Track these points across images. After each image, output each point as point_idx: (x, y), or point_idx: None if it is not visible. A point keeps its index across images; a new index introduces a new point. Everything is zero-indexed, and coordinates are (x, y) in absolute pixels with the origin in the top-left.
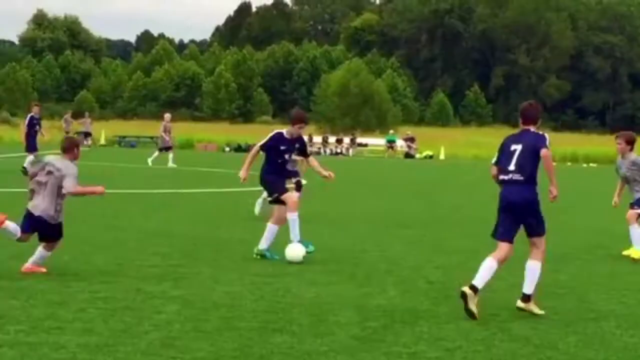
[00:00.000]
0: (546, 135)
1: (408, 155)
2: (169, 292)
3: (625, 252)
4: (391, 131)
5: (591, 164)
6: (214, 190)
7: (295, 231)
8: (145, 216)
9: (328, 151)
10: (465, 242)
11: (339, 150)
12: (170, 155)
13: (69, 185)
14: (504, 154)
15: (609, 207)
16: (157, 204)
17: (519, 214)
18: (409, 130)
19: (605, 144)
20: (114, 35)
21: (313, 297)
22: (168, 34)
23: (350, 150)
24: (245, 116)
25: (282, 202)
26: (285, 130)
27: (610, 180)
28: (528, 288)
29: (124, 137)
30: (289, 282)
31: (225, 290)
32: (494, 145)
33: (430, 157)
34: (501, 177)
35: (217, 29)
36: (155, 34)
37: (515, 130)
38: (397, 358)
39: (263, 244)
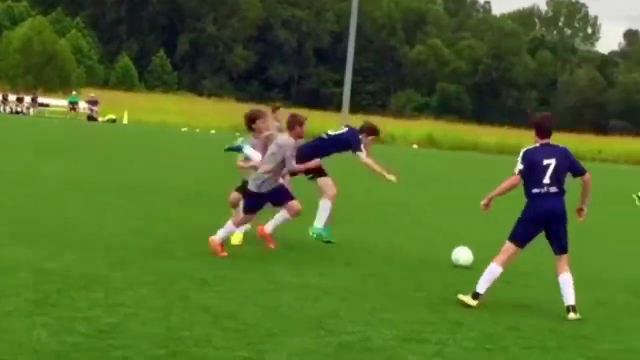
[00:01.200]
0: (568, 148)
1: (90, 118)
2: None
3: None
4: (74, 92)
5: None
6: None
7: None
8: None
9: (8, 109)
10: (141, 207)
11: (19, 110)
12: None
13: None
14: (536, 168)
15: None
16: None
17: (551, 223)
18: (93, 93)
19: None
20: None
21: None
22: None
23: (31, 110)
24: None
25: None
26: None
27: None
28: (571, 299)
29: None
30: None
31: None
32: (180, 112)
33: (113, 121)
34: (534, 190)
35: None
36: None
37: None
38: (70, 322)
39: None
